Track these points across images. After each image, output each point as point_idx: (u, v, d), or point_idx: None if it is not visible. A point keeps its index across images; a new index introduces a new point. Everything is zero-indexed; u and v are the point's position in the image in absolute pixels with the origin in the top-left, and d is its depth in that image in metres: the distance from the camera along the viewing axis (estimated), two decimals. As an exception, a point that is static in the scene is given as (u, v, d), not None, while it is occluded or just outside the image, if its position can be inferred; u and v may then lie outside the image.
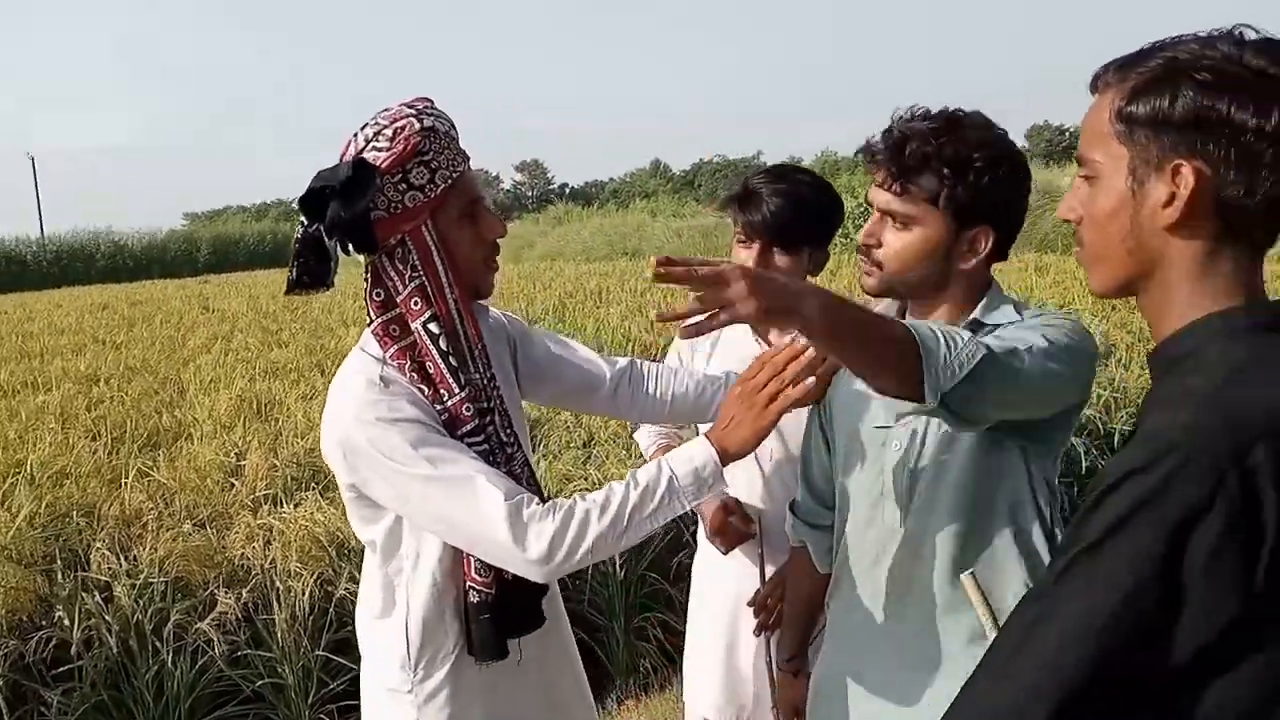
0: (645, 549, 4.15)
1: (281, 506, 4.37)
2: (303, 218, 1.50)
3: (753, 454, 2.09)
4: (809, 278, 2.11)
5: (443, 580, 1.58)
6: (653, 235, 25.20)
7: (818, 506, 1.83)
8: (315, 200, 1.46)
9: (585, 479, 4.39)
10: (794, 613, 1.91)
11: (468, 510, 1.44)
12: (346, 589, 3.62)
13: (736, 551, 2.12)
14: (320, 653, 3.54)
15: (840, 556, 1.73)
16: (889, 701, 1.61)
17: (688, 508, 1.50)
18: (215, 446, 5.34)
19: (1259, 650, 0.83)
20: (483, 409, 1.59)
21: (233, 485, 4.76)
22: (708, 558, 2.26)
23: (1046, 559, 1.53)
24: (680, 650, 4.05)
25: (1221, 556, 0.81)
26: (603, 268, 18.37)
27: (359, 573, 4.01)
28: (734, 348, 2.19)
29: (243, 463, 5.05)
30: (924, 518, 1.57)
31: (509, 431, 1.64)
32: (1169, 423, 0.86)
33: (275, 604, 3.57)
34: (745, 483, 2.15)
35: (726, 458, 1.50)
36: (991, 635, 1.25)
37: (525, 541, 1.42)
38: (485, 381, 1.61)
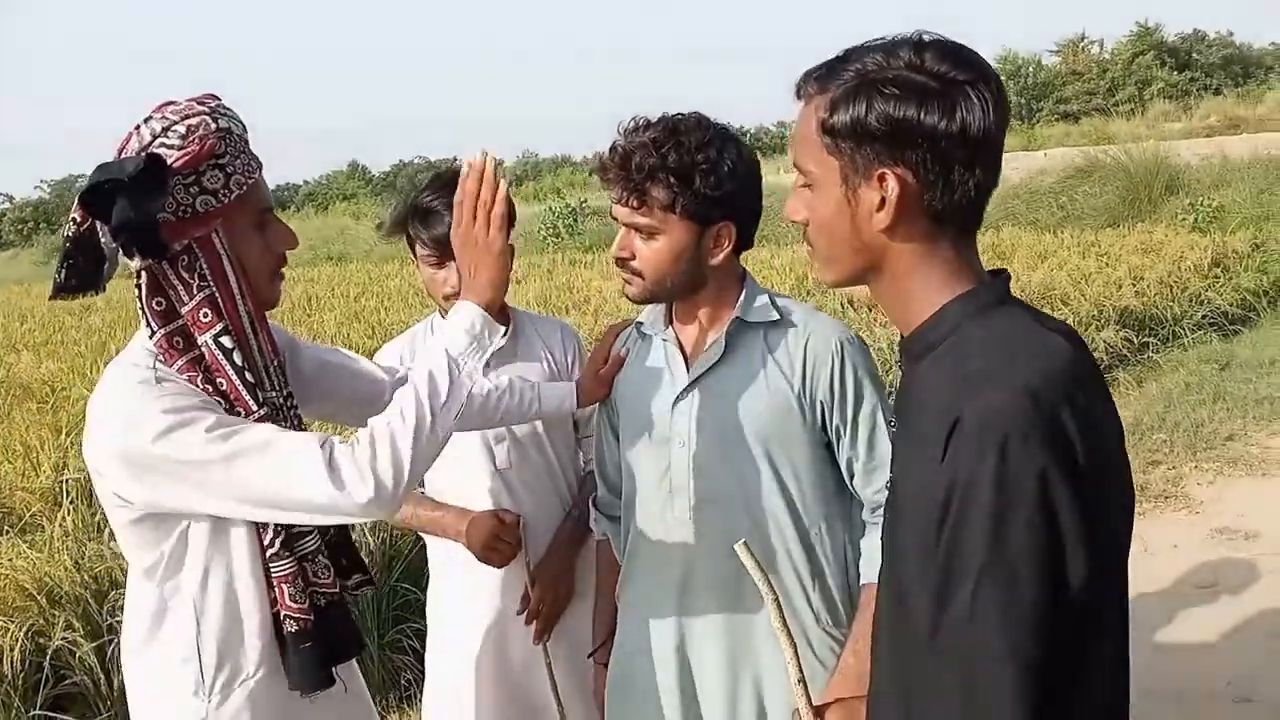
0: (395, 561, 4.04)
1: (-32, 555, 3.86)
2: (75, 215, 1.35)
3: (489, 465, 2.10)
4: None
5: (244, 599, 1.46)
6: (358, 239, 24.39)
7: (614, 499, 1.88)
8: (97, 196, 1.31)
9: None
10: (602, 604, 1.95)
11: (282, 476, 1.35)
12: (64, 638, 3.26)
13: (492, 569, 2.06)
14: (37, 712, 3.16)
15: (631, 548, 1.79)
16: (688, 675, 1.69)
17: (478, 368, 1.48)
18: (-128, 494, 4.62)
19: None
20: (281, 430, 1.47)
21: (-99, 537, 4.13)
22: (455, 582, 2.18)
23: (822, 535, 1.68)
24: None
25: (1069, 509, 0.90)
26: (308, 273, 17.51)
27: (76, 619, 3.67)
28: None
29: (-90, 511, 4.41)
30: (710, 510, 1.67)
31: None
32: (985, 409, 0.92)
33: (-24, 665, 3.15)
34: (491, 491, 2.10)
35: (490, 307, 1.49)
36: (768, 598, 1.33)
37: (350, 484, 1.33)
38: (283, 400, 1.52)
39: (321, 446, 1.36)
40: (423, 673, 3.87)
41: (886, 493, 1.57)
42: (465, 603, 2.16)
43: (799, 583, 1.67)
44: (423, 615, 3.96)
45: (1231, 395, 6.28)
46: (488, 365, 2.10)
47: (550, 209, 20.84)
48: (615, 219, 1.67)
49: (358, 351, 7.09)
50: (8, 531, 4.17)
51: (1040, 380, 0.93)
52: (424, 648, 3.87)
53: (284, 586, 1.45)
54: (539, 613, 2.07)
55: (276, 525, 1.43)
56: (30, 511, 4.43)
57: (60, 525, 4.06)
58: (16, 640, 3.20)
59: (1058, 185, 16.11)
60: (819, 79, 1.06)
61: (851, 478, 1.69)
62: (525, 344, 2.17)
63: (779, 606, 1.32)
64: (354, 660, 1.66)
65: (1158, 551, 4.29)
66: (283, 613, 1.46)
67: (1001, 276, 1.09)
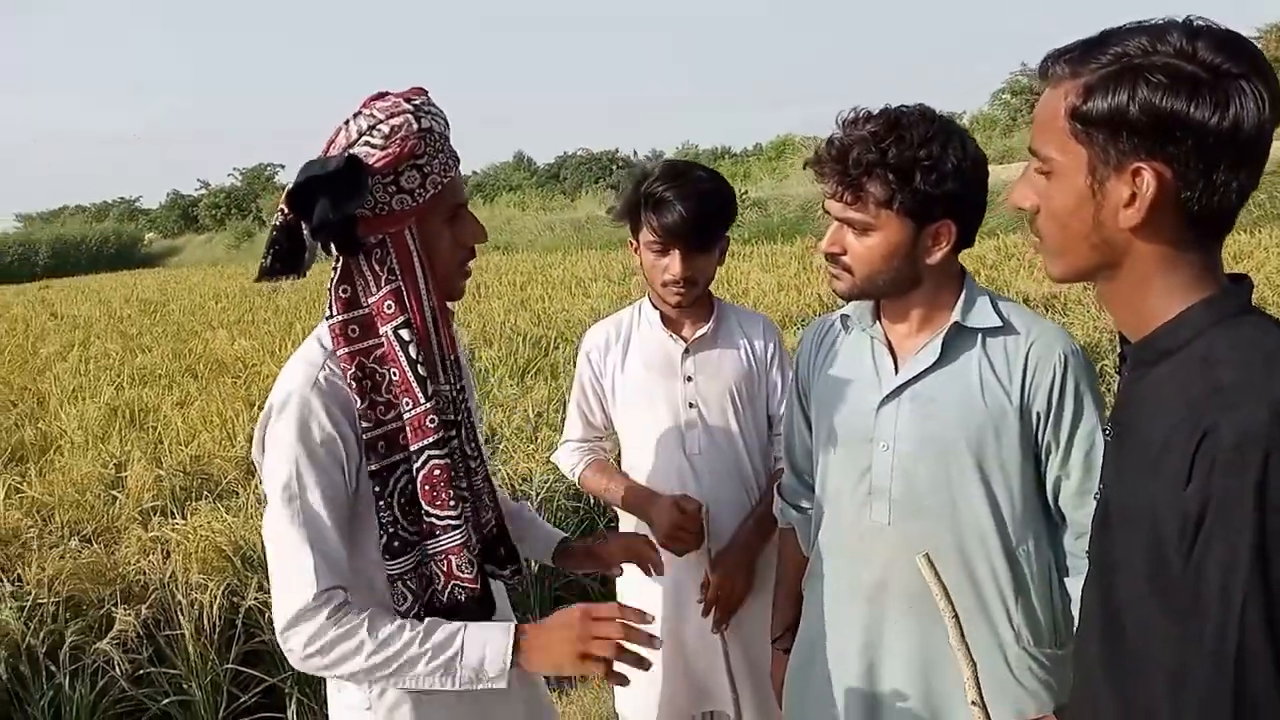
0: (557, 541, 4.13)
1: (173, 517, 4.18)
2: (283, 207, 1.42)
3: (679, 448, 2.13)
4: (718, 268, 2.16)
5: (379, 589, 1.50)
6: (524, 228, 25.07)
7: (803, 489, 1.86)
8: (303, 193, 1.37)
9: (495, 474, 4.34)
10: (785, 590, 1.93)
11: (284, 572, 1.41)
12: (255, 599, 3.48)
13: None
14: (230, 666, 3.40)
15: (821, 544, 1.76)
16: (872, 677, 1.66)
17: (457, 689, 1.42)
18: (91, 458, 5.06)
19: None
20: (449, 421, 1.51)
21: (115, 498, 4.52)
22: None
23: (1029, 553, 1.60)
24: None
25: None
26: (476, 262, 17.79)
27: (267, 581, 3.89)
28: (648, 342, 2.20)
29: (123, 474, 4.81)
30: (912, 517, 1.61)
31: (473, 445, 1.58)
32: (1244, 424, 0.87)
33: (179, 618, 3.41)
34: (677, 474, 2.14)
35: (522, 666, 1.43)
36: (946, 615, 1.28)
37: (297, 631, 1.39)
38: (455, 393, 1.54)
39: (324, 597, 1.39)
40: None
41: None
42: (650, 581, 2.17)
43: (1000, 600, 1.60)
44: (584, 596, 4.09)
45: None
46: (687, 351, 2.14)
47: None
48: (827, 213, 1.61)
49: (524, 338, 7.24)
50: (206, 496, 4.50)
51: None
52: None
53: (399, 584, 1.48)
54: (717, 600, 2.09)
55: (394, 529, 1.46)
56: (227, 479, 4.76)
57: (254, 492, 4.36)
58: (215, 598, 3.44)
59: (1255, 180, 15.01)
60: (1070, 60, 0.98)
61: (1057, 497, 1.60)
62: (726, 332, 2.19)
63: (959, 624, 1.28)
64: None
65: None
66: (451, 584, 1.50)
67: (1245, 283, 1.02)
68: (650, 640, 1.44)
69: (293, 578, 1.40)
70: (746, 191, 21.73)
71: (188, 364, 8.39)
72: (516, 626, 1.43)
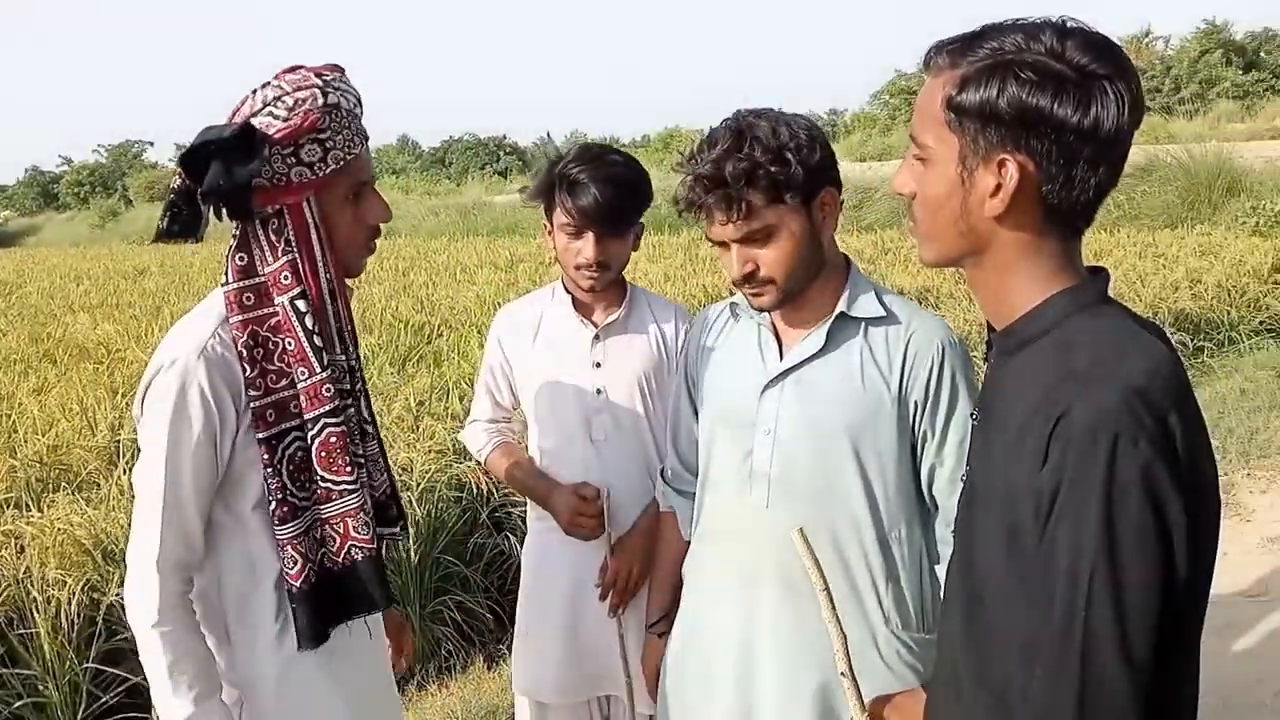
0: (439, 532, 4.08)
1: (28, 510, 3.97)
2: (179, 170, 1.43)
3: (585, 435, 2.13)
4: (632, 253, 2.16)
5: (259, 561, 1.54)
6: (407, 213, 24.55)
7: (686, 473, 1.88)
8: (197, 156, 1.39)
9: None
10: (662, 576, 1.95)
11: (140, 530, 1.47)
12: (116, 595, 3.33)
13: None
14: (90, 665, 3.25)
15: (701, 528, 1.78)
16: (748, 663, 1.69)
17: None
18: (-64, 448, 4.75)
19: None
20: (344, 390, 1.54)
21: (-37, 490, 4.25)
22: (544, 541, 2.24)
23: (901, 538, 1.65)
24: (480, 632, 4.06)
25: (1175, 506, 0.90)
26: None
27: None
28: (557, 326, 2.19)
29: (-27, 464, 4.53)
30: (789, 500, 1.65)
31: (369, 413, 1.63)
32: (1095, 407, 0.91)
33: (34, 616, 3.24)
34: (581, 460, 2.14)
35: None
36: (818, 588, 1.32)
37: (140, 593, 1.45)
38: (351, 363, 1.58)
39: (172, 568, 1.46)
40: (462, 645, 3.96)
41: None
42: (549, 565, 2.22)
43: (872, 583, 1.64)
44: (463, 588, 4.05)
45: (1288, 403, 6.14)
46: (597, 337, 2.14)
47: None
48: (719, 244, 1.62)
49: (406, 325, 7.10)
50: (65, 488, 4.28)
51: (1147, 380, 0.93)
52: (463, 620, 3.97)
53: (289, 549, 1.50)
54: (614, 585, 2.11)
55: (282, 495, 1.49)
56: (87, 469, 4.54)
57: (116, 484, 4.16)
58: (73, 594, 3.28)
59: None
60: (950, 52, 1.03)
61: (930, 485, 1.66)
62: (637, 319, 2.19)
63: (830, 598, 1.32)
64: (378, 615, 1.68)
65: (1207, 559, 4.21)
66: (284, 573, 1.52)
67: (1102, 275, 1.07)
68: None
69: (143, 538, 1.46)
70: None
71: (45, 349, 7.96)
72: None
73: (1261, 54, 38.94)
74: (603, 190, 2.01)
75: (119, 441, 4.82)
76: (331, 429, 1.51)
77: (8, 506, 4.05)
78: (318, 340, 1.49)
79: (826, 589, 1.33)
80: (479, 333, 6.96)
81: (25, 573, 3.41)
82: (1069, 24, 0.99)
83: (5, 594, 3.32)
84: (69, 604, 3.27)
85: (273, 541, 1.51)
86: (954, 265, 1.11)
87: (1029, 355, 1.04)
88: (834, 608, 1.32)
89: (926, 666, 1.64)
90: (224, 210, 1.42)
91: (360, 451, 1.58)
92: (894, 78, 40.60)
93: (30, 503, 4.08)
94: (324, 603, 1.53)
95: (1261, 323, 8.10)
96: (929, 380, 1.62)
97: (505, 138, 57.91)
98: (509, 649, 2.56)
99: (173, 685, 1.43)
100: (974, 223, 1.04)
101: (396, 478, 4.14)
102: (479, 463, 2.41)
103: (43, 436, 4.94)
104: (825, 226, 1.64)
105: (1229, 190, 14.12)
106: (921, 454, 1.65)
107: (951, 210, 1.05)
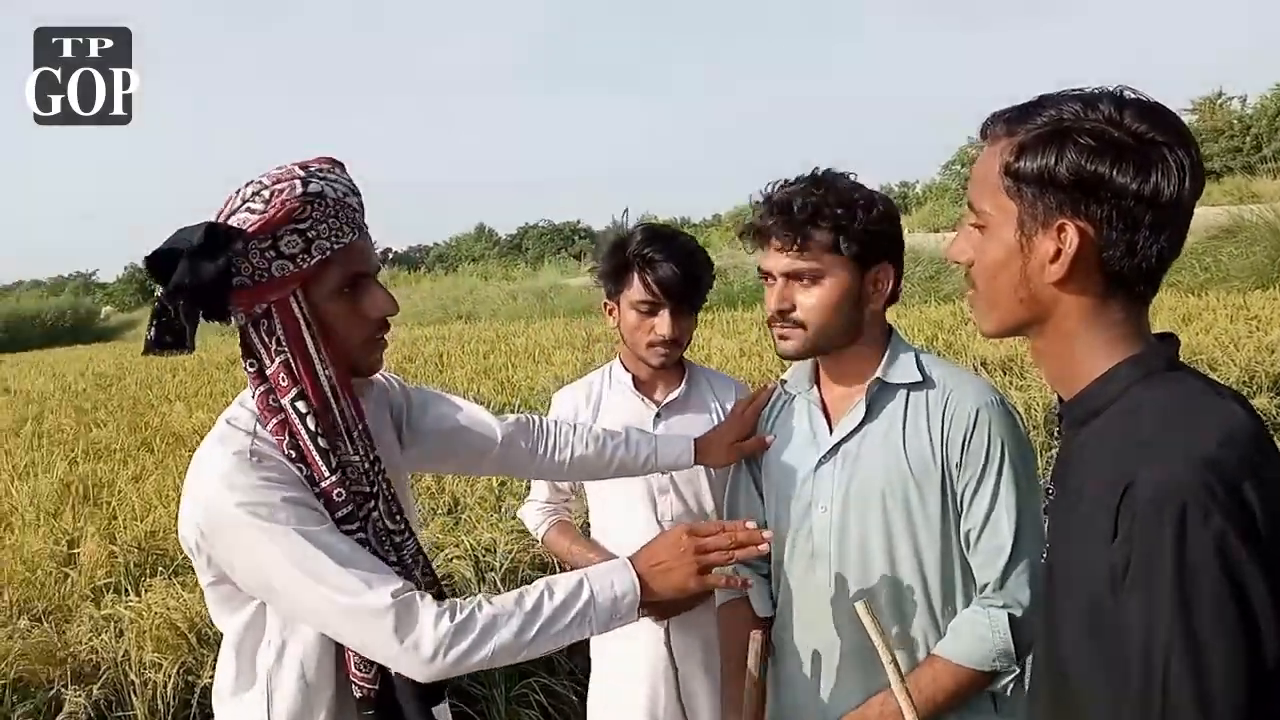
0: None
1: (127, 595, 4.08)
2: (148, 273, 1.36)
3: (651, 515, 2.14)
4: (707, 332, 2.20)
5: (313, 676, 1.44)
6: (487, 298, 25.10)
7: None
8: (166, 261, 1.31)
9: (457, 545, 4.28)
10: (732, 668, 1.78)
11: (350, 621, 1.34)
12: (211, 677, 3.38)
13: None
14: (186, 747, 3.30)
15: (781, 620, 1.75)
16: None
17: (596, 634, 1.42)
18: (42, 535, 4.93)
19: None
20: (362, 493, 1.45)
21: (67, 575, 4.40)
22: (609, 686, 2.23)
23: (956, 610, 1.61)
24: (565, 715, 4.02)
25: (1256, 580, 0.85)
26: (438, 331, 18.11)
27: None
28: (618, 406, 2.21)
29: (76, 550, 4.69)
30: (850, 578, 1.63)
31: (398, 519, 1.50)
32: (1162, 479, 0.89)
33: (131, 699, 3.32)
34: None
35: (648, 595, 1.44)
36: (885, 659, 1.30)
37: (421, 645, 1.32)
38: (368, 465, 1.47)
39: (402, 595, 1.34)
40: (548, 727, 3.92)
41: (1001, 575, 1.54)
42: (619, 678, 2.20)
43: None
44: (548, 670, 4.02)
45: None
46: (658, 415, 2.16)
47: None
48: (768, 274, 1.65)
49: (489, 406, 7.24)
50: (161, 573, 4.39)
51: (1219, 448, 0.89)
52: (549, 703, 3.94)
53: (351, 654, 1.42)
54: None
55: None
56: (182, 555, 4.65)
57: (210, 568, 4.25)
58: (169, 677, 3.35)
59: (1200, 246, 15.38)
60: (1008, 121, 1.04)
61: (967, 548, 1.61)
62: (698, 396, 2.22)
63: (898, 669, 1.30)
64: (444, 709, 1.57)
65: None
66: (349, 678, 1.43)
67: (1170, 340, 1.05)
68: (759, 548, 1.47)
69: (361, 615, 1.32)
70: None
71: (143, 438, 8.25)
72: (629, 563, 1.45)
73: (1347, 109, 37.95)
74: (680, 265, 2.06)
75: (212, 526, 4.94)
76: (350, 536, 1.41)
77: (108, 591, 4.17)
78: (322, 442, 1.40)
79: (895, 661, 1.32)
80: (558, 413, 7.00)
81: (124, 656, 3.49)
82: (1126, 93, 1.00)
83: (105, 677, 3.40)
84: (164, 686, 3.34)
85: (330, 650, 1.44)
86: (1015, 334, 1.10)
87: (1098, 426, 1.02)
88: (904, 679, 1.31)
89: None
90: (197, 313, 1.34)
91: (394, 560, 1.47)
92: (965, 145, 40.62)
93: (128, 587, 4.20)
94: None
95: (1366, 384, 7.76)
96: (965, 443, 1.59)
97: (579, 222, 59.21)
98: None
99: (558, 615, 1.37)
100: (1034, 290, 1.04)
101: (480, 558, 4.24)
102: (539, 541, 2.42)
103: (141, 522, 5.09)
104: (872, 299, 1.65)
105: (1321, 249, 13.70)
106: (964, 519, 1.61)
107: (1010, 276, 1.05)
